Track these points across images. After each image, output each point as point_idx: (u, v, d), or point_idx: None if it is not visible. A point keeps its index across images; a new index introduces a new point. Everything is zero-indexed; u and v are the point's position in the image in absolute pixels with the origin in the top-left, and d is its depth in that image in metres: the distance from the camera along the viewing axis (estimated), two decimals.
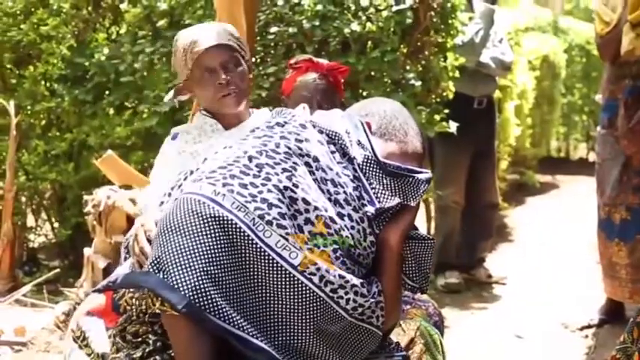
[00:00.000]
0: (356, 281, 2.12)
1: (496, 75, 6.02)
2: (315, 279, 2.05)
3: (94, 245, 4.50)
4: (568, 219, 8.52)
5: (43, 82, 5.47)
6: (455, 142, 5.31)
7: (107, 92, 5.27)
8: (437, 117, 4.98)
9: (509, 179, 9.65)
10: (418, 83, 4.75)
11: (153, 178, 2.96)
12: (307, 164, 2.19)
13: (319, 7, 4.64)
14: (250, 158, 2.15)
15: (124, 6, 5.30)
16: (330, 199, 2.17)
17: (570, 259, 6.84)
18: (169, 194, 2.28)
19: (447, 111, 5.03)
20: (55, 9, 5.36)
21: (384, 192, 2.24)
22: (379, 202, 2.23)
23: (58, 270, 5.22)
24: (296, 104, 2.94)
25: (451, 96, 5.15)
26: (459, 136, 5.14)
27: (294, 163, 2.17)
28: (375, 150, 2.28)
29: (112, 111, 5.21)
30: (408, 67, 4.80)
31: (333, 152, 2.26)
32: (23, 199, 5.75)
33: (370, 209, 2.22)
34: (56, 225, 5.78)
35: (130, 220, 4.38)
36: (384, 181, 2.24)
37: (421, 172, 2.27)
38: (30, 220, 5.97)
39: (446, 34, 5.05)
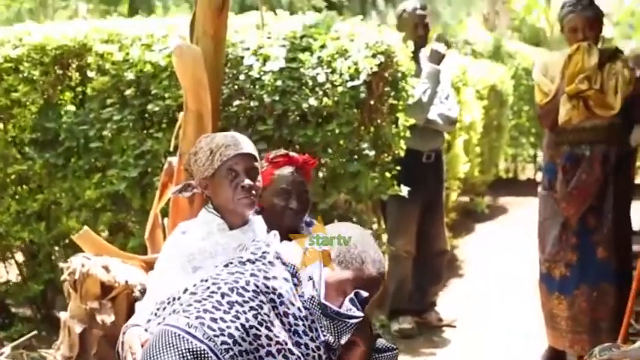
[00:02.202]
0: None
1: (443, 130, 6.33)
2: None
3: (70, 310, 4.71)
4: (516, 248, 8.79)
5: (14, 145, 5.62)
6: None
7: (77, 156, 5.44)
8: (388, 175, 5.24)
9: (459, 205, 9.91)
10: (372, 153, 5.05)
11: (154, 283, 3.18)
12: (272, 300, 2.58)
13: (279, 82, 4.89)
14: (223, 295, 2.54)
15: (92, 74, 5.46)
16: (289, 330, 2.56)
17: (517, 295, 7.12)
18: (156, 314, 2.67)
19: (398, 168, 5.31)
20: (25, 75, 5.51)
21: (323, 330, 2.60)
22: (324, 336, 2.60)
23: (35, 332, 5.41)
24: (274, 196, 3.33)
25: (402, 154, 5.44)
26: (409, 189, 5.42)
27: (260, 301, 2.56)
28: (320, 293, 2.64)
29: (81, 174, 5.38)
30: (361, 136, 5.06)
31: (296, 285, 2.63)
32: None
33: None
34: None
35: (104, 287, 4.64)
36: (323, 321, 2.60)
37: (354, 317, 2.61)
38: (1, 271, 6.17)
39: (397, 98, 5.34)
